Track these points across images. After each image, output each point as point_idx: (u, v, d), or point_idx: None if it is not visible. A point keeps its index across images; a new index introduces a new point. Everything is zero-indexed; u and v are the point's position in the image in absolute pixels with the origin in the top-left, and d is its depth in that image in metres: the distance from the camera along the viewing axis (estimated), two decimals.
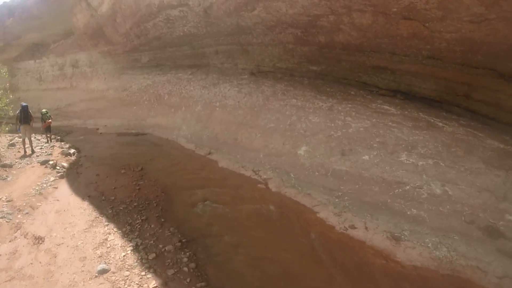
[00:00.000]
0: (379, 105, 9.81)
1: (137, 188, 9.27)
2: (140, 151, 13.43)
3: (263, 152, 10.57)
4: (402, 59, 9.32)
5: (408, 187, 7.31)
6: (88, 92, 25.02)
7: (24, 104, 13.14)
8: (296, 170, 9.26)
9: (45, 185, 9.43)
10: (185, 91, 16.64)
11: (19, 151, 12.77)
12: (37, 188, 9.15)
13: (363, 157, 8.42)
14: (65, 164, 11.70)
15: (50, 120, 16.13)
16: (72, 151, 13.91)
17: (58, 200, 8.60)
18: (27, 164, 11.20)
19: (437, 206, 6.68)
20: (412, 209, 6.83)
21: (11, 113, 15.14)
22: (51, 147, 14.44)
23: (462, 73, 8.60)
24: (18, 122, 12.76)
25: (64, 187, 9.58)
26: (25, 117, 12.81)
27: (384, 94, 10.49)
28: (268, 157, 10.27)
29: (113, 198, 8.67)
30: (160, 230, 6.97)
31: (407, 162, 7.82)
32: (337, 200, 7.74)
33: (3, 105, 14.69)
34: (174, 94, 17.18)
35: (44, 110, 16.53)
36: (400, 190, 7.34)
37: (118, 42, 19.66)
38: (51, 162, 11.27)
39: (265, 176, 9.49)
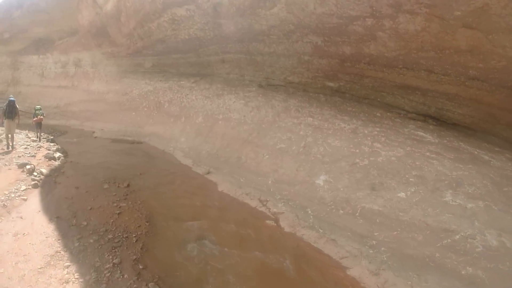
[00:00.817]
0: (412, 131, 7.80)
1: (117, 213, 6.99)
2: (131, 162, 11.21)
3: (272, 178, 8.41)
4: (441, 79, 7.47)
5: (458, 236, 5.43)
6: (88, 93, 22.98)
7: (11, 98, 12.10)
8: (315, 205, 7.09)
9: (13, 195, 7.47)
10: (186, 100, 14.54)
11: (3, 148, 11.33)
12: (3, 198, 7.19)
13: (399, 194, 6.36)
14: (44, 170, 9.60)
15: (41, 117, 14.42)
16: (57, 155, 11.81)
17: (21, 218, 6.53)
18: (5, 165, 9.33)
19: (495, 263, 4.96)
20: (468, 267, 5.01)
21: None
22: (38, 147, 12.51)
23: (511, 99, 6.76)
24: (3, 116, 11.59)
25: (34, 200, 7.50)
26: (9, 112, 11.57)
27: (413, 118, 8.49)
28: (278, 185, 8.11)
29: (85, 223, 6.45)
30: (135, 285, 4.67)
31: (453, 203, 5.95)
32: (371, 251, 5.61)
33: None
34: (174, 103, 15.09)
35: (38, 106, 15.11)
36: (449, 240, 5.44)
37: (122, 43, 17.79)
38: (28, 167, 9.21)
39: (275, 210, 7.29)
